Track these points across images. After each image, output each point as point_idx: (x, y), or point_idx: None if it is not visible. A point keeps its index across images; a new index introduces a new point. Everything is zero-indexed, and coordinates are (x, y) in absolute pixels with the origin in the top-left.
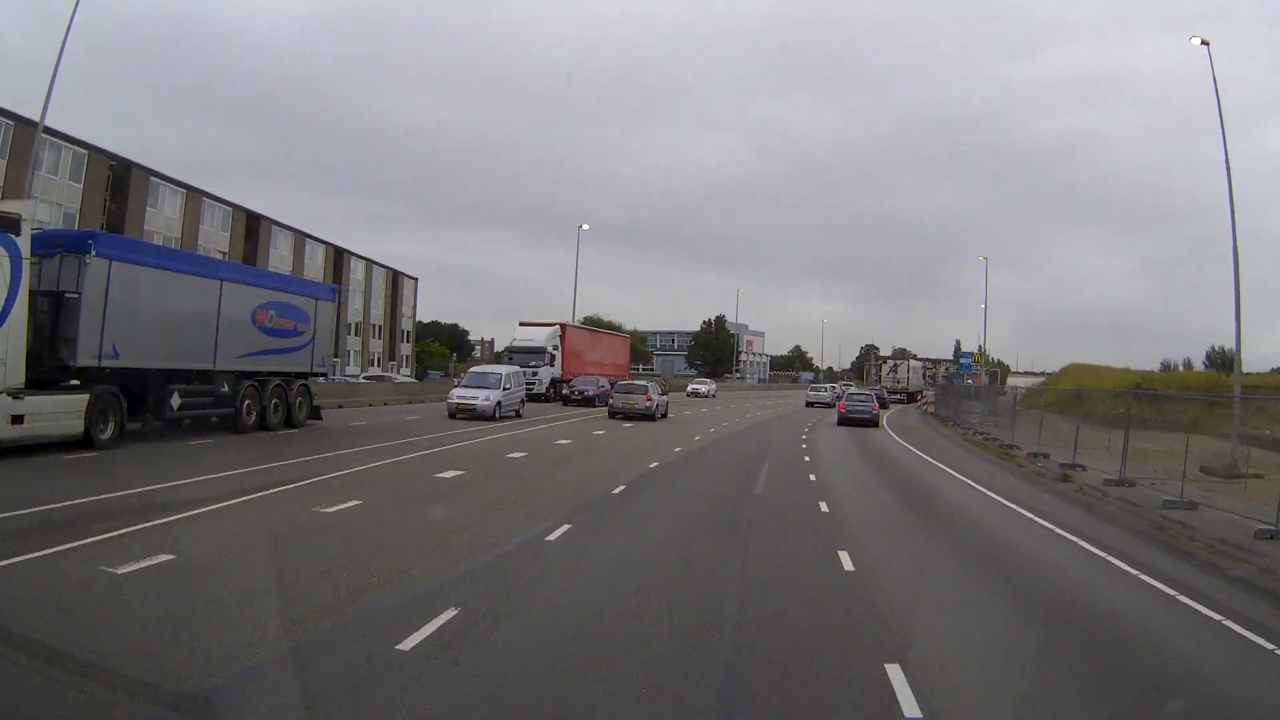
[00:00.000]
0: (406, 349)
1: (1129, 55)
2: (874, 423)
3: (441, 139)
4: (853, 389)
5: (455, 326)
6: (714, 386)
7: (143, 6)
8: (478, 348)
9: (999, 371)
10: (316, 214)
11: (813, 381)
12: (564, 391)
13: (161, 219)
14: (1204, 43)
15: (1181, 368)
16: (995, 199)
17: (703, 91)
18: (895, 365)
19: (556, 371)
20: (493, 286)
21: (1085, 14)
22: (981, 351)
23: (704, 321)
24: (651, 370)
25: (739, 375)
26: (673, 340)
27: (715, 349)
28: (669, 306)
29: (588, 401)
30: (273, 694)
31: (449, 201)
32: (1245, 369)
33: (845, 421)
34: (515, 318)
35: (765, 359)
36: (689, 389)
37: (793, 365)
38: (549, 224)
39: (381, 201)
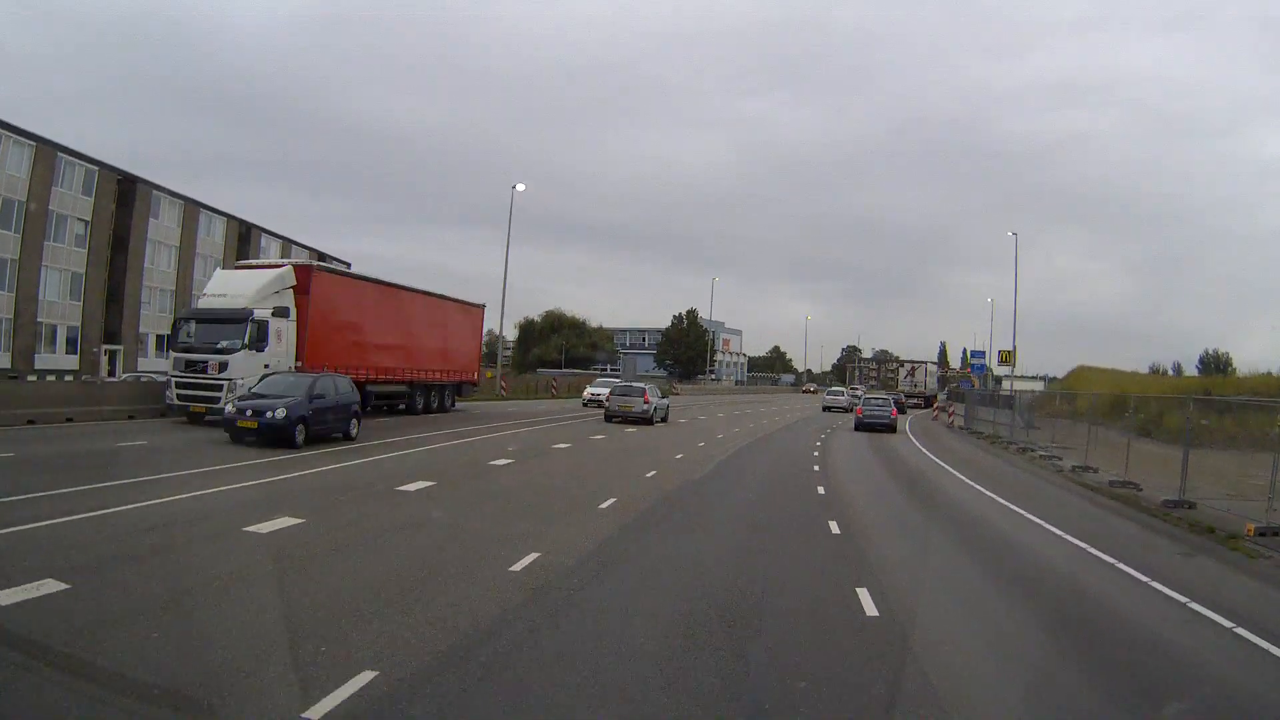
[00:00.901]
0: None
1: (1112, 57)
2: (892, 428)
3: (420, 137)
4: (868, 394)
5: None
6: (651, 396)
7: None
8: None
9: (989, 375)
10: (286, 209)
11: (793, 383)
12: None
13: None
14: None
15: (1172, 372)
16: (976, 200)
17: (686, 90)
18: (913, 369)
19: (283, 356)
20: (471, 285)
21: (1069, 15)
22: (1007, 352)
23: (675, 316)
24: (617, 371)
25: (714, 376)
26: (643, 338)
27: (687, 347)
28: (649, 308)
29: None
30: None
31: (429, 200)
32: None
33: (863, 427)
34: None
35: (743, 359)
36: (584, 393)
37: (772, 366)
38: (531, 223)
39: (358, 200)
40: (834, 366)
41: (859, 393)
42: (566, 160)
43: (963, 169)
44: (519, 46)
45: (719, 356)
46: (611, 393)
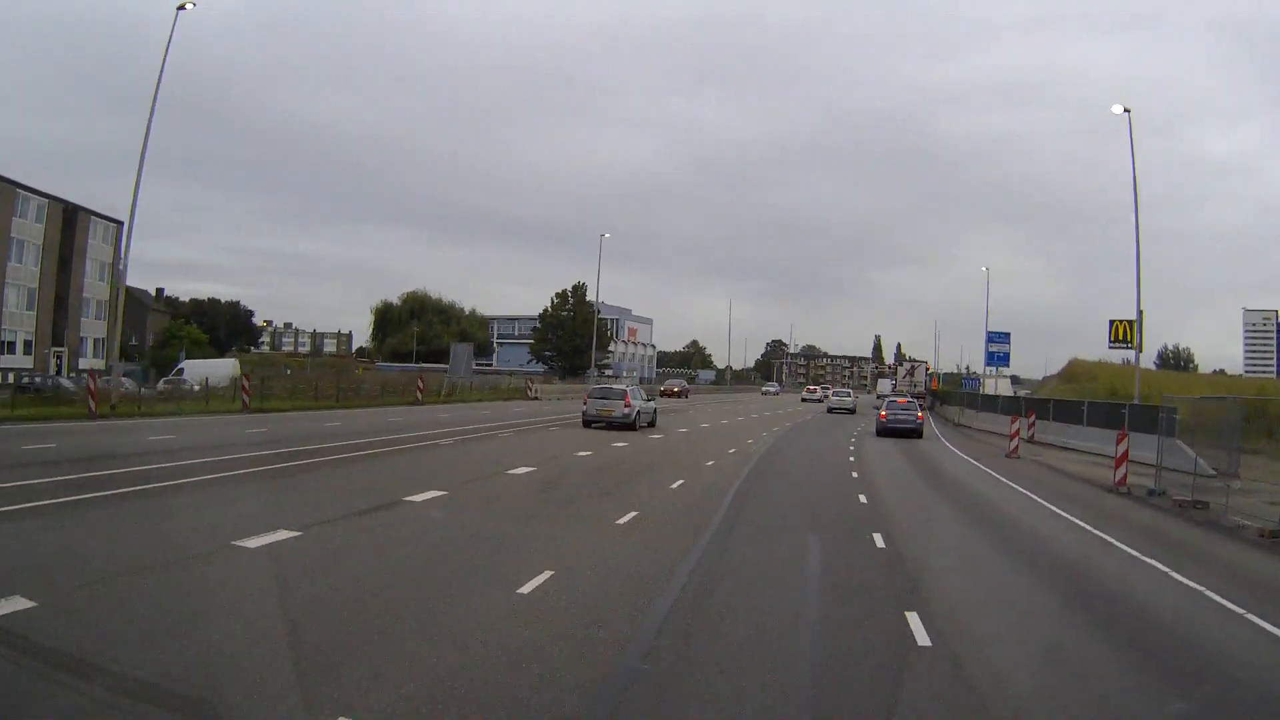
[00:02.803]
0: (98, 327)
1: (1050, 58)
2: (919, 432)
3: (350, 136)
4: (891, 394)
5: (237, 306)
6: (633, 399)
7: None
8: (267, 335)
9: (938, 376)
10: (210, 206)
11: (713, 381)
12: None
13: None
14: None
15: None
16: (909, 199)
17: (617, 90)
18: (912, 368)
19: None
20: (387, 282)
21: (1008, 16)
22: (1127, 323)
23: (555, 294)
24: (488, 364)
25: (608, 371)
26: (534, 327)
27: (572, 333)
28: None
29: None
30: None
31: (354, 198)
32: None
33: (887, 432)
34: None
35: (651, 351)
36: None
37: (689, 362)
38: (462, 221)
39: (282, 197)
40: (757, 362)
41: (849, 395)
42: (492, 159)
43: (895, 168)
44: (449, 46)
45: (621, 347)
46: (589, 395)
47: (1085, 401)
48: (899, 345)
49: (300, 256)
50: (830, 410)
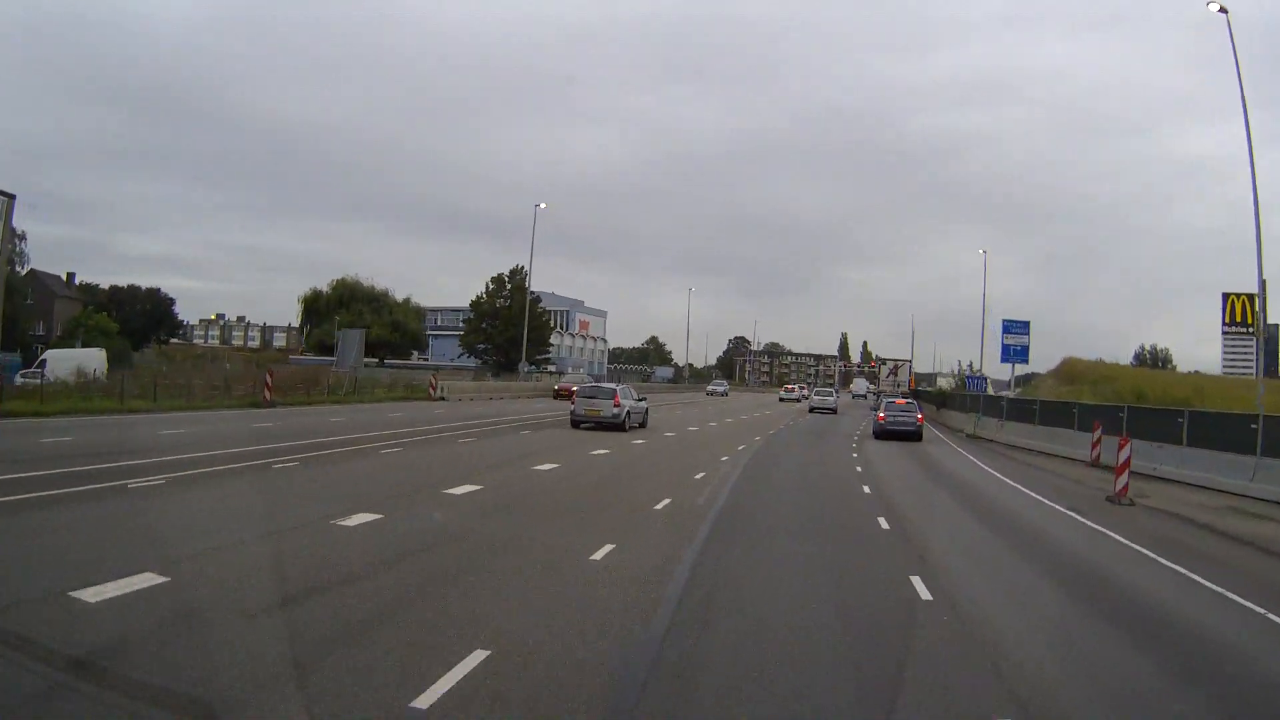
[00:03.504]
0: None
1: (1023, 56)
2: (918, 435)
3: (324, 130)
4: (888, 395)
5: (157, 294)
6: (622, 398)
7: None
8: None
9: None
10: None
11: (670, 379)
12: None
13: None
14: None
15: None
16: (879, 196)
17: (584, 83)
18: (895, 367)
19: None
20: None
21: (980, 13)
22: (1256, 300)
23: (490, 280)
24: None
25: (551, 367)
26: (466, 318)
27: (508, 323)
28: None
29: None
30: None
31: (324, 192)
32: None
33: (886, 434)
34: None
35: (604, 345)
36: None
37: (646, 358)
38: (424, 216)
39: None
40: (719, 360)
41: (831, 394)
42: (461, 153)
43: (865, 164)
44: (421, 41)
45: (569, 340)
46: (577, 394)
47: (1185, 411)
48: (865, 343)
49: (269, 250)
50: (813, 410)
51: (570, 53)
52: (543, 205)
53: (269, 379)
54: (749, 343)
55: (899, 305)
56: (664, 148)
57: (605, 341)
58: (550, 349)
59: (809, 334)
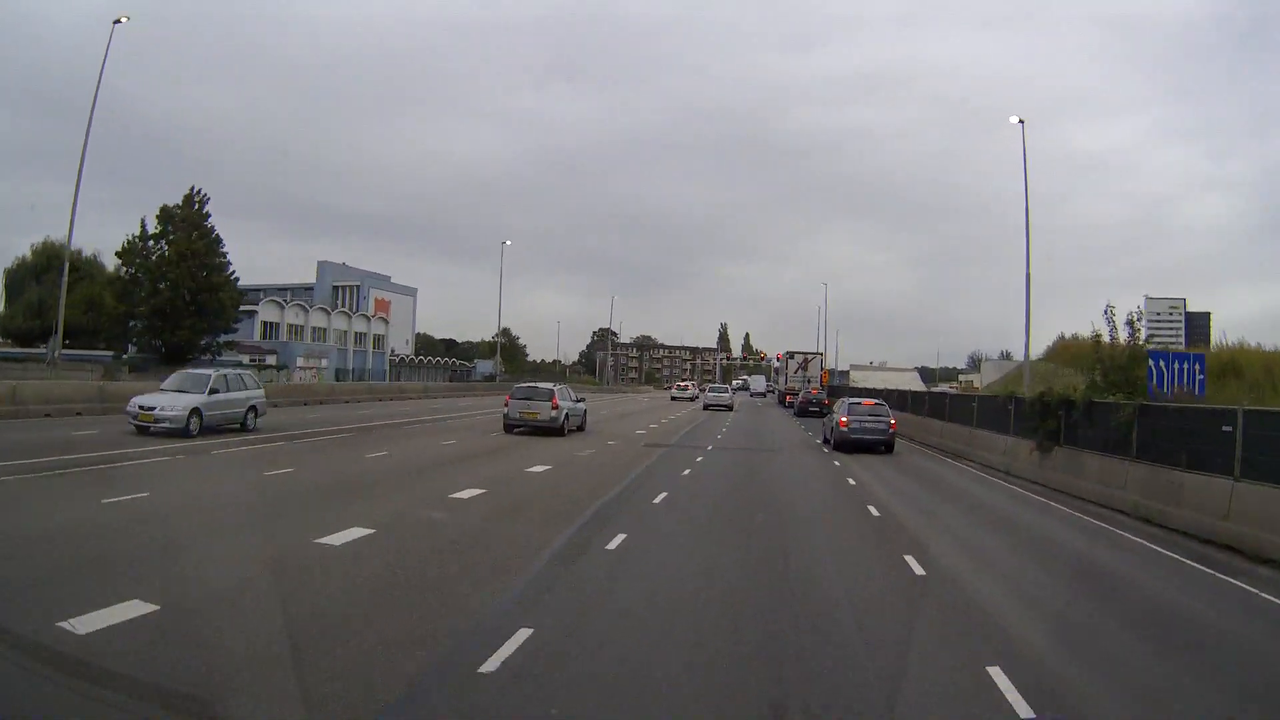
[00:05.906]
0: None
1: (914, 51)
2: (890, 446)
3: (192, 128)
4: (852, 398)
5: None
6: (561, 400)
7: None
8: None
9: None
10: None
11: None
12: None
13: None
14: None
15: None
16: (758, 192)
17: (466, 82)
18: (805, 361)
19: None
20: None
21: (871, 10)
22: None
23: (157, 212)
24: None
25: (256, 358)
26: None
27: (175, 284)
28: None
29: None
30: None
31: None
32: None
33: (848, 445)
34: None
35: (407, 334)
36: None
37: (472, 353)
38: (300, 215)
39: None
40: (581, 354)
41: (726, 391)
42: (335, 152)
43: (747, 162)
44: (297, 35)
45: (346, 325)
46: (512, 396)
47: None
48: (747, 335)
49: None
50: (707, 407)
51: (450, 49)
52: None
53: None
54: (615, 335)
55: (780, 301)
56: (545, 144)
57: (413, 328)
58: (238, 327)
59: (685, 328)
